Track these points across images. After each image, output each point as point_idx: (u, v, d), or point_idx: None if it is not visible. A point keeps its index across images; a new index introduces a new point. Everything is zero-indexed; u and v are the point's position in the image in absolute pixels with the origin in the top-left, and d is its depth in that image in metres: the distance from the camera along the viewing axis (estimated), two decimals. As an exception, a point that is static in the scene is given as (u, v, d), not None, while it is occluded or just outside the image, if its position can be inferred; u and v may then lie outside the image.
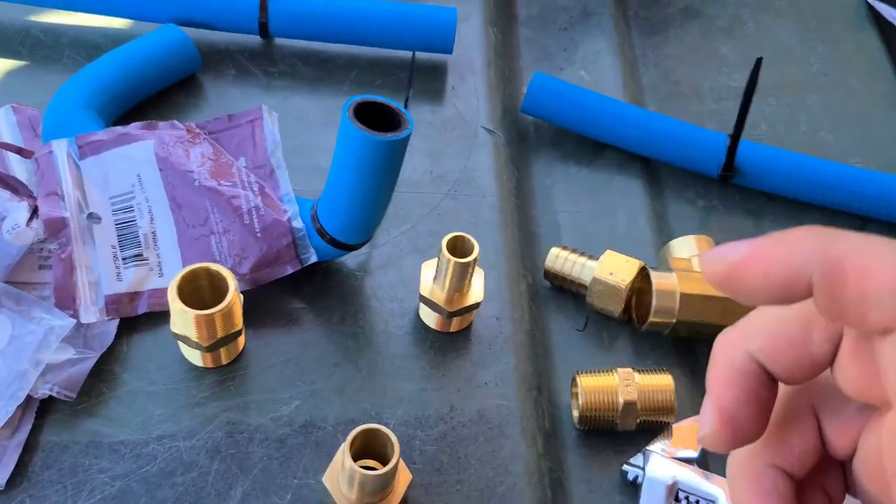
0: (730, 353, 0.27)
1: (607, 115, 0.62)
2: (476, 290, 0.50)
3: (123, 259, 0.50)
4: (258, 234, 0.49)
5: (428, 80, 0.64)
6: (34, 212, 0.49)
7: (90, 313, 0.48)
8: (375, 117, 0.44)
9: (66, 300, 0.48)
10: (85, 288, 0.48)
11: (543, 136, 0.64)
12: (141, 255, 0.50)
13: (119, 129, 0.52)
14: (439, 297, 0.50)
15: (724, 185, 0.63)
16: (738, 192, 0.63)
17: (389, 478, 0.41)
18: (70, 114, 0.53)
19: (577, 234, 0.59)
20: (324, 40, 0.63)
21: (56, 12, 0.62)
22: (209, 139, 0.53)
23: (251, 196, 0.50)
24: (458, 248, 0.48)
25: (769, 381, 0.26)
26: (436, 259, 0.50)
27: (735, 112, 0.65)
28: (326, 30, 0.62)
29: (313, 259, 0.50)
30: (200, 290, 0.46)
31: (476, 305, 0.50)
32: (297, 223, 0.50)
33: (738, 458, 0.28)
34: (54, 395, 0.45)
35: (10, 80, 0.59)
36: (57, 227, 0.49)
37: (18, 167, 0.53)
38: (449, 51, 0.63)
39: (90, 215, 0.50)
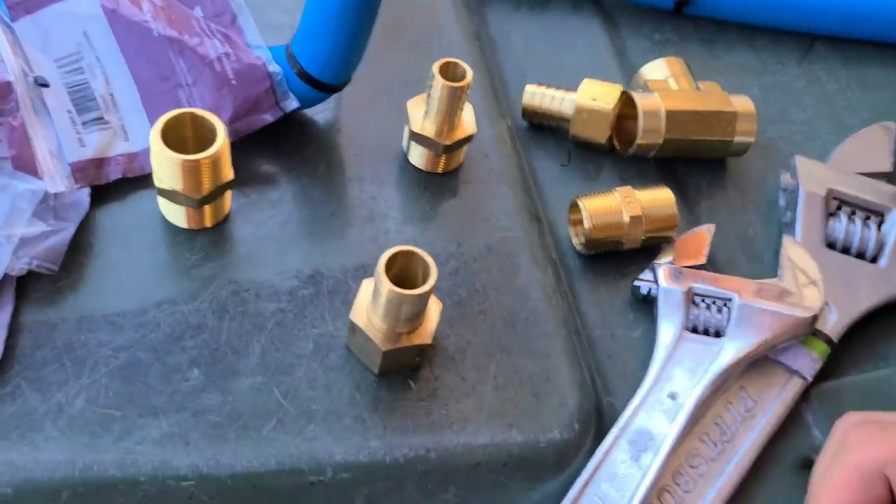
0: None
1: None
2: (468, 122, 0.48)
3: (83, 124, 0.45)
4: (232, 82, 0.46)
5: None
6: (-27, 77, 0.43)
7: (56, 182, 0.43)
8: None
9: (27, 171, 0.43)
10: (45, 156, 0.43)
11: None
12: (101, 118, 0.45)
13: None
14: (431, 130, 0.47)
15: (676, 18, 0.63)
16: (691, 23, 0.63)
17: (426, 298, 0.39)
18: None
19: (542, 74, 0.58)
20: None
21: None
22: (158, -10, 0.48)
23: (217, 44, 0.46)
24: (451, 73, 0.46)
25: None
26: (423, 95, 0.48)
27: None
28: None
29: (294, 105, 0.47)
30: (183, 140, 0.42)
31: (469, 138, 0.48)
32: (273, 67, 0.46)
33: None
34: (34, 269, 0.41)
35: None
36: (2, 93, 0.43)
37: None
38: None
39: (37, 79, 0.44)
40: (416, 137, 0.48)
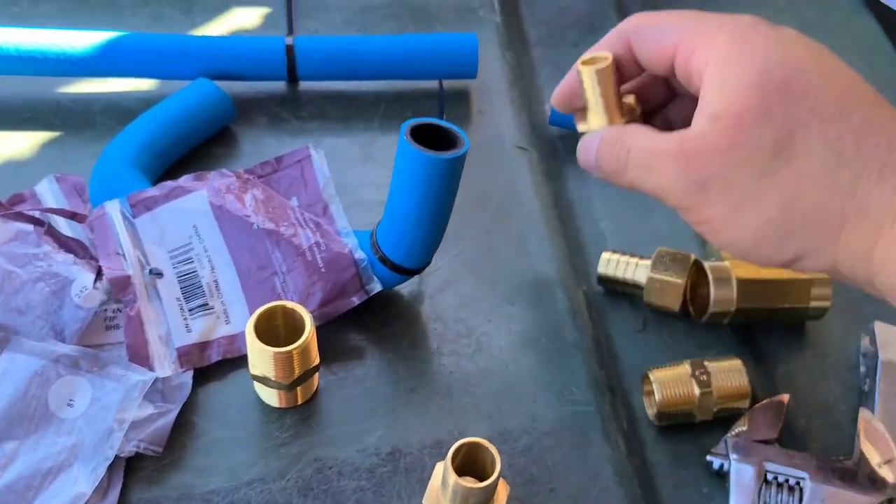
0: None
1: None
2: None
3: (190, 310, 0.50)
4: (322, 269, 0.50)
5: (454, 107, 0.65)
6: (98, 273, 0.49)
7: (164, 367, 0.48)
8: (431, 138, 0.45)
9: (139, 357, 0.48)
10: (156, 343, 0.48)
11: (571, 148, 0.65)
12: (206, 304, 0.50)
13: (170, 183, 0.52)
14: None
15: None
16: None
17: (492, 490, 0.41)
18: (115, 175, 0.54)
19: (621, 239, 0.60)
20: (351, 78, 0.64)
21: (83, 81, 0.63)
22: (260, 183, 0.53)
23: (310, 233, 0.51)
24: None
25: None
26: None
27: None
28: (353, 68, 0.63)
29: (378, 288, 0.51)
30: (275, 330, 0.47)
31: None
32: (359, 254, 0.50)
33: None
34: (141, 451, 0.45)
35: (48, 152, 0.60)
36: (122, 286, 0.49)
37: (71, 234, 0.53)
38: (473, 75, 0.64)
39: (152, 270, 0.50)
40: None
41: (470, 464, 0.42)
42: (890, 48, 0.73)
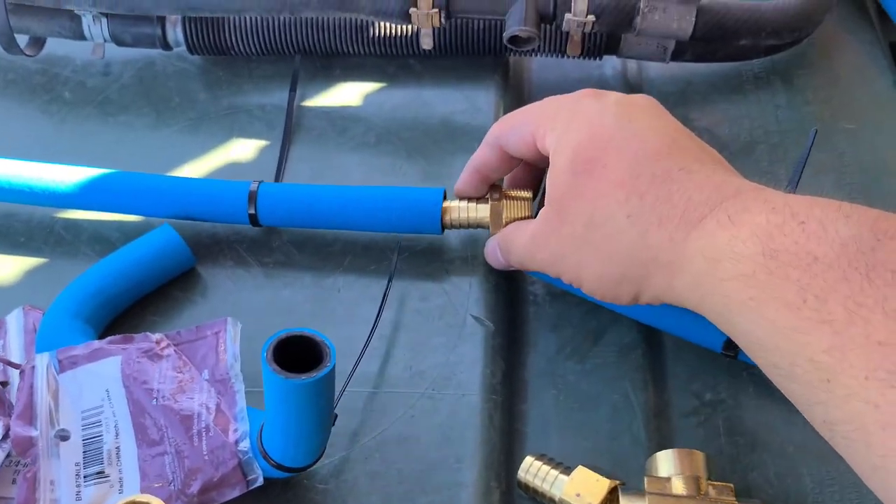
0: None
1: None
2: None
3: (85, 477, 0.51)
4: (205, 457, 0.50)
5: (426, 263, 0.63)
6: (7, 431, 0.52)
7: None
8: (300, 349, 0.44)
9: None
10: None
11: (544, 319, 0.61)
12: (103, 472, 0.51)
13: (95, 344, 0.54)
14: None
15: (736, 375, 0.57)
16: (752, 384, 0.57)
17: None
18: (60, 324, 0.56)
19: (565, 433, 0.56)
20: (314, 227, 0.63)
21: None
22: (177, 351, 0.54)
23: (204, 414, 0.51)
24: None
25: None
26: None
27: None
28: (315, 219, 0.62)
29: (259, 482, 0.50)
30: (140, 524, 0.47)
31: None
32: (244, 445, 0.50)
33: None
34: None
35: (30, 278, 0.63)
36: (25, 447, 0.51)
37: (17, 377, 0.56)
38: (438, 232, 0.62)
39: (59, 432, 0.52)
40: None
41: None
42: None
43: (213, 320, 0.55)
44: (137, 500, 0.46)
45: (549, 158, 0.52)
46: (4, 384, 0.55)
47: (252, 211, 0.62)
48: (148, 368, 0.53)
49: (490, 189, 0.59)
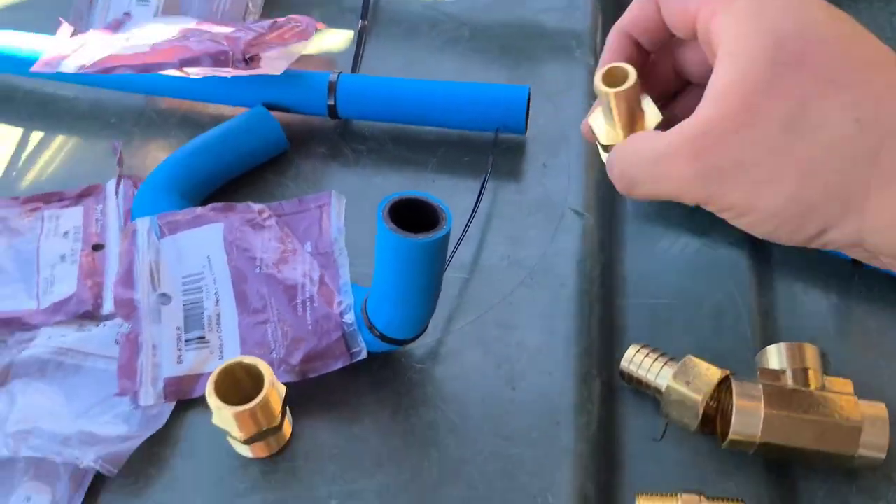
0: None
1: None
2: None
3: (186, 341, 0.51)
4: (309, 326, 0.49)
5: (519, 157, 0.61)
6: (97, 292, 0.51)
7: (149, 395, 0.49)
8: (416, 213, 0.43)
9: (127, 381, 0.49)
10: (147, 370, 0.50)
11: (643, 216, 0.60)
12: (203, 337, 0.51)
13: (196, 210, 0.54)
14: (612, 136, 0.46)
15: (847, 278, 0.55)
16: (864, 287, 0.55)
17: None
18: (156, 195, 0.56)
19: (669, 329, 0.54)
20: (393, 121, 0.62)
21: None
22: (279, 222, 0.53)
23: (308, 285, 0.50)
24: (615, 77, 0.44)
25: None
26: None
27: None
28: (394, 112, 0.61)
29: (363, 355, 0.49)
30: (240, 383, 0.46)
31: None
32: (349, 317, 0.49)
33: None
34: (97, 467, 0.46)
35: (125, 155, 0.63)
36: (127, 309, 0.51)
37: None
38: (522, 131, 0.60)
39: (161, 296, 0.51)
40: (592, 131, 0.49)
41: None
42: None
43: (317, 193, 0.54)
44: (244, 361, 0.46)
45: (706, 45, 0.42)
46: (100, 247, 0.55)
47: (331, 102, 0.61)
48: (250, 237, 0.52)
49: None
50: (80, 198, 0.59)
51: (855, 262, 0.54)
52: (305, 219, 0.53)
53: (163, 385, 0.50)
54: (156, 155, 0.62)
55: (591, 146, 0.62)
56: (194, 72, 0.59)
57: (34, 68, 0.61)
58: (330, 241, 0.52)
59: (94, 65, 0.58)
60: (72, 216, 0.57)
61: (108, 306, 0.53)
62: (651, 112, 0.46)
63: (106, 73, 0.58)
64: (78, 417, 0.49)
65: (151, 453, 0.49)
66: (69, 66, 0.60)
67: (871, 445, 0.46)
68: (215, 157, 0.58)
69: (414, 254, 0.42)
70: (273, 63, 0.59)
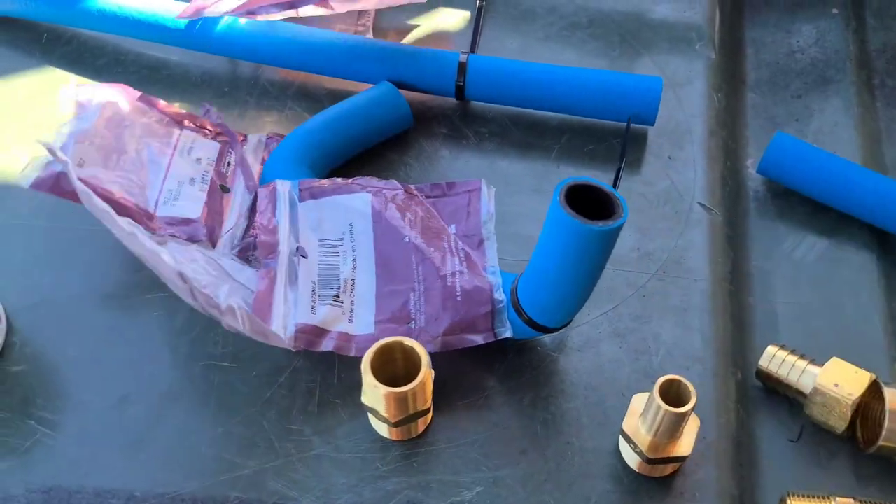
0: None
1: (857, 182, 0.56)
2: (685, 442, 0.45)
3: (320, 296, 0.50)
4: (458, 297, 0.48)
5: (643, 148, 0.61)
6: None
7: (280, 331, 0.48)
8: (587, 200, 0.42)
9: (262, 310, 0.49)
10: (280, 307, 0.49)
11: (766, 214, 0.59)
12: (337, 296, 0.50)
13: (340, 180, 0.53)
14: (643, 439, 0.45)
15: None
16: None
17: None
18: (285, 169, 0.55)
19: (796, 329, 0.54)
20: (520, 106, 0.61)
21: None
22: (426, 202, 0.52)
23: (457, 262, 0.50)
24: (673, 392, 0.44)
25: None
26: (647, 393, 0.46)
27: None
28: (522, 96, 0.60)
29: (507, 334, 0.48)
30: (394, 363, 0.46)
31: (682, 459, 0.46)
32: (499, 294, 0.48)
33: None
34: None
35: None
36: (269, 249, 0.50)
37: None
38: (652, 122, 0.59)
39: (298, 249, 0.51)
40: (625, 436, 0.46)
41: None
42: None
43: (466, 180, 0.54)
44: (404, 343, 0.45)
45: None
46: (226, 189, 0.55)
47: (460, 83, 0.60)
48: (398, 211, 0.51)
49: None
50: (216, 136, 0.58)
51: None
52: (453, 202, 0.53)
53: (294, 329, 0.49)
54: (272, 128, 0.61)
55: (716, 140, 0.61)
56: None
57: (181, 15, 0.60)
58: (477, 226, 0.52)
59: (241, 7, 0.57)
60: (206, 147, 0.57)
61: (219, 249, 0.53)
62: (687, 440, 0.45)
63: (252, 15, 0.57)
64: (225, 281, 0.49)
65: (291, 431, 0.48)
66: (218, 10, 0.58)
67: None
68: (344, 131, 0.57)
69: (588, 241, 0.42)
70: None
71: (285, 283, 0.50)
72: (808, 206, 0.59)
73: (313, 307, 0.50)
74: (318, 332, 0.49)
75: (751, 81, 0.66)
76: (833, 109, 0.64)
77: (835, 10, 0.69)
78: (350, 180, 0.53)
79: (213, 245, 0.52)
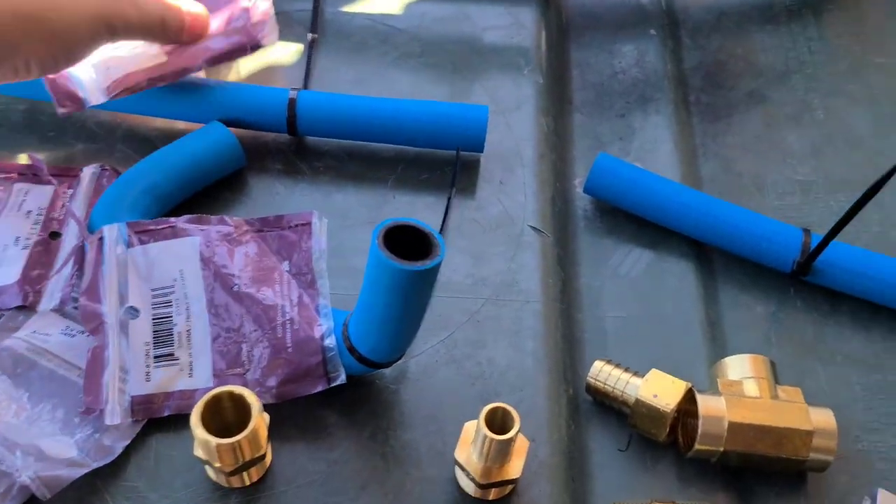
0: None
1: (674, 198, 0.60)
2: (515, 465, 0.47)
3: (155, 357, 0.50)
4: (289, 349, 0.49)
5: (476, 174, 0.63)
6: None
7: (115, 414, 0.48)
8: (407, 240, 0.43)
9: (93, 399, 0.48)
10: (113, 388, 0.48)
11: (593, 232, 0.62)
12: (172, 354, 0.50)
13: (170, 220, 0.52)
14: (475, 466, 0.47)
15: (784, 290, 0.59)
16: (799, 298, 0.59)
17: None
18: (115, 215, 0.54)
19: (624, 341, 0.57)
20: (351, 139, 0.62)
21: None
22: (256, 238, 0.52)
23: (288, 307, 0.50)
24: (498, 419, 0.46)
25: None
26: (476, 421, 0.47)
27: (802, 208, 0.63)
28: (353, 129, 0.61)
29: (342, 379, 0.49)
30: (224, 412, 0.46)
31: (513, 481, 0.48)
32: (330, 341, 0.49)
33: None
34: (33, 486, 0.45)
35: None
36: (94, 323, 0.49)
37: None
38: (480, 150, 0.61)
39: (129, 309, 0.50)
40: (458, 464, 0.48)
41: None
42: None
43: (298, 212, 0.54)
44: (233, 391, 0.45)
45: None
46: (56, 235, 0.53)
47: (290, 118, 0.60)
48: (226, 253, 0.51)
49: None
50: (56, 176, 0.57)
51: (794, 274, 0.58)
52: (285, 237, 0.53)
53: (129, 403, 0.48)
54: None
55: (545, 163, 0.64)
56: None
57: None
58: (309, 263, 0.52)
59: (117, 85, 0.56)
60: (39, 195, 0.56)
61: (47, 302, 0.52)
62: (516, 463, 0.47)
63: (132, 92, 0.56)
64: (32, 425, 0.47)
65: (125, 487, 0.47)
66: (96, 99, 0.56)
67: (822, 449, 0.50)
68: (175, 174, 0.57)
69: (408, 281, 0.43)
70: (270, 37, 0.60)
71: (116, 357, 0.49)
72: (633, 222, 0.62)
73: (147, 373, 0.49)
74: (157, 399, 0.49)
75: (577, 102, 0.69)
76: (653, 127, 0.68)
77: (652, 31, 0.73)
78: (181, 219, 0.52)
79: (34, 305, 0.51)
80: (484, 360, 0.54)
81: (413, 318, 0.46)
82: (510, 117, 0.65)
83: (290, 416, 0.50)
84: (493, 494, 0.48)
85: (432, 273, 0.43)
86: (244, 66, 0.67)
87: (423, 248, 0.43)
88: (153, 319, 0.50)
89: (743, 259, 0.60)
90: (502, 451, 0.45)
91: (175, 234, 0.51)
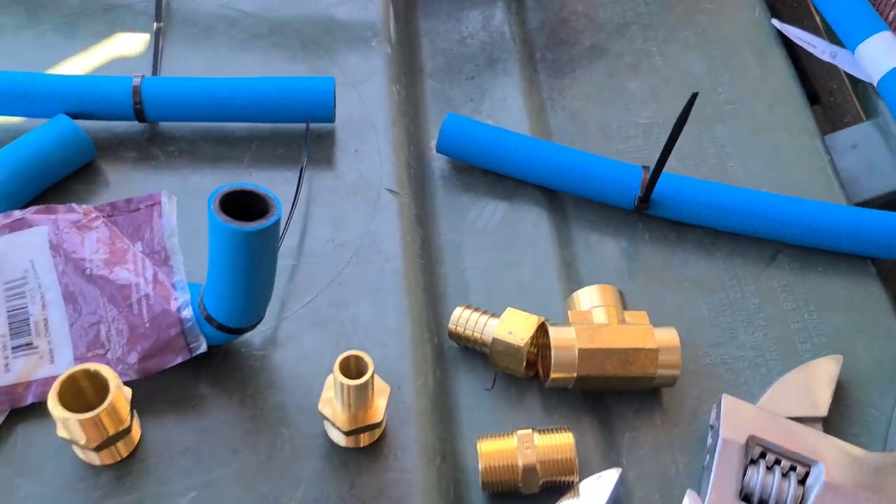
0: None
1: (521, 150, 0.63)
2: (377, 409, 0.49)
3: (13, 348, 0.50)
4: (146, 325, 0.49)
5: (332, 145, 0.64)
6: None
7: None
8: (244, 204, 0.44)
9: None
10: None
11: (452, 190, 0.64)
12: (31, 343, 0.50)
13: (16, 213, 0.52)
14: (339, 415, 0.48)
15: (632, 225, 0.63)
16: (647, 231, 0.63)
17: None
18: (-40, 215, 0.54)
19: (484, 289, 0.59)
20: (201, 120, 0.63)
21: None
22: (107, 222, 0.53)
23: (143, 284, 0.50)
24: (353, 368, 0.47)
25: None
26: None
27: (645, 149, 0.66)
28: (204, 111, 0.62)
29: (203, 348, 0.50)
30: (83, 391, 0.46)
31: (377, 424, 0.49)
32: (187, 312, 0.50)
33: None
34: None
35: None
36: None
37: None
38: (331, 120, 0.63)
39: None
40: (324, 416, 0.49)
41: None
42: (796, 88, 0.71)
43: (146, 194, 0.54)
44: (89, 368, 0.46)
45: None
46: None
47: (137, 106, 0.61)
48: (77, 239, 0.51)
49: None
50: None
51: (637, 209, 0.62)
52: (135, 219, 0.53)
53: None
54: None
55: (398, 129, 0.66)
56: None
57: None
58: (161, 241, 0.53)
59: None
60: None
61: None
62: (377, 407, 0.49)
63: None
64: None
65: (-7, 478, 0.47)
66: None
67: (668, 364, 0.53)
68: (23, 171, 0.56)
69: (247, 242, 0.44)
70: None
71: None
72: (488, 177, 0.65)
73: (6, 364, 0.49)
74: (18, 389, 0.49)
75: (428, 69, 0.72)
76: (502, 87, 0.70)
77: (497, -4, 0.76)
78: (27, 210, 0.52)
79: None
80: (348, 320, 0.56)
81: (262, 281, 0.48)
82: (361, 88, 0.67)
83: (160, 390, 0.51)
84: (362, 441, 0.50)
85: (271, 232, 0.44)
86: (91, 61, 0.67)
87: (261, 210, 0.44)
88: (8, 312, 0.50)
89: (592, 201, 0.63)
90: (361, 396, 0.47)
91: (21, 225, 0.52)
